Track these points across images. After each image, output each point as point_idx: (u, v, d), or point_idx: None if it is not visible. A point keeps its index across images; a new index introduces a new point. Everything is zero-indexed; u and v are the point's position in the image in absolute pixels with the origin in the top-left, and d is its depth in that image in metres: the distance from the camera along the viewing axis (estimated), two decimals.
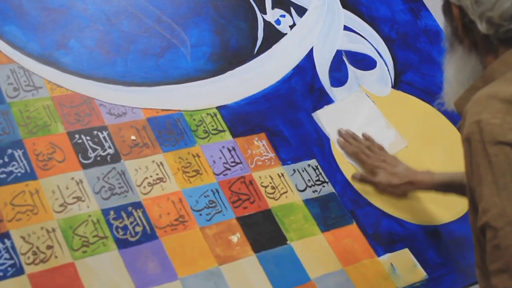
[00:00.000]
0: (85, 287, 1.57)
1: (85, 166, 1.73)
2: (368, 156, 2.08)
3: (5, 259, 1.53)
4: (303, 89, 2.16)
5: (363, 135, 2.14)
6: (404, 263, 1.92)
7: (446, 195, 2.00)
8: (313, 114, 2.13)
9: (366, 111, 2.21)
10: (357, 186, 2.05)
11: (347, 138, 2.12)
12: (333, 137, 2.11)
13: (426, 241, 2.00)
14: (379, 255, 1.91)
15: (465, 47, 1.58)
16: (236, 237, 1.79)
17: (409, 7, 2.51)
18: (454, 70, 1.60)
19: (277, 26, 2.23)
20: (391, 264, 1.90)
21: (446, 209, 2.11)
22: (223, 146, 1.94)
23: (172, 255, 1.69)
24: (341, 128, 2.14)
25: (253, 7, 2.22)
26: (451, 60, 1.62)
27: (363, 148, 2.09)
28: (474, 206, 1.46)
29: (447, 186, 1.97)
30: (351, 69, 2.28)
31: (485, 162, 1.37)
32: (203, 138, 1.92)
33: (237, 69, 2.09)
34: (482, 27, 1.49)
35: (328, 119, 2.13)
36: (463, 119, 1.46)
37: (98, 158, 1.76)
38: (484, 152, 1.37)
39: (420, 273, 1.92)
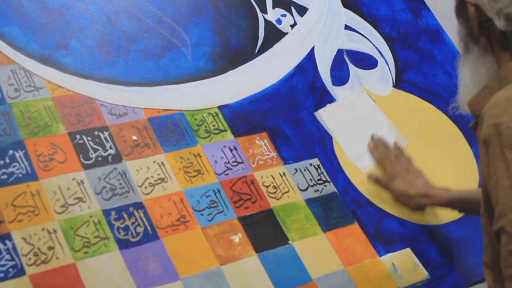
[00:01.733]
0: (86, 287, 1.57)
1: (86, 167, 1.73)
2: (393, 163, 2.05)
3: (6, 260, 1.53)
4: (305, 88, 2.16)
5: (395, 144, 2.12)
6: (406, 263, 1.92)
7: (461, 213, 2.00)
8: (316, 113, 2.12)
9: (368, 110, 2.20)
10: (359, 185, 2.05)
11: (378, 143, 2.11)
12: (336, 136, 2.11)
13: (428, 240, 2.00)
14: (380, 255, 1.91)
15: (480, 48, 1.56)
16: (238, 237, 1.79)
17: (409, 6, 2.50)
18: (470, 71, 1.58)
19: (278, 26, 2.23)
20: (393, 264, 1.90)
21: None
22: (225, 146, 1.94)
23: (173, 255, 1.69)
24: (375, 133, 2.13)
25: (253, 6, 2.22)
26: (466, 62, 1.60)
27: (390, 155, 2.07)
28: (488, 207, 1.45)
29: (463, 203, 1.95)
30: (352, 68, 2.27)
31: (503, 166, 1.36)
32: (204, 138, 1.92)
33: (238, 68, 2.09)
34: (500, 24, 1.47)
35: (330, 118, 2.13)
36: (480, 121, 1.44)
37: (99, 159, 1.76)
38: (502, 156, 1.36)
39: (422, 273, 1.92)
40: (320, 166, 2.02)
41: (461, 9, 1.59)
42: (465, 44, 1.61)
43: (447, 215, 2.08)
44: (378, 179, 2.04)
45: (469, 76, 1.58)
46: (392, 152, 2.09)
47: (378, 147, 2.10)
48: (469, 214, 1.99)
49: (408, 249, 1.95)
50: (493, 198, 1.40)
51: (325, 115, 2.13)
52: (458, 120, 2.29)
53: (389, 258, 1.91)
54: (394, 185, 2.02)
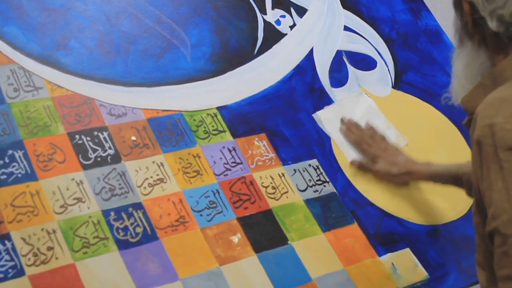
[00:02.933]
0: None
1: (85, 167, 1.73)
2: (370, 145, 2.09)
3: (6, 260, 1.53)
4: (303, 90, 2.16)
5: (366, 124, 2.14)
6: (405, 263, 1.92)
7: (445, 186, 2.02)
8: (314, 115, 2.12)
9: (366, 111, 2.20)
10: (358, 185, 2.05)
11: (350, 126, 2.13)
12: (335, 137, 2.11)
13: (427, 240, 2.00)
14: (380, 255, 1.91)
15: (474, 43, 1.56)
16: (237, 237, 1.79)
17: (409, 7, 2.50)
18: (463, 65, 1.58)
19: (277, 27, 2.23)
20: (392, 264, 1.90)
21: (448, 208, 2.10)
22: (224, 147, 1.94)
23: (172, 255, 1.69)
24: (344, 117, 2.14)
25: (253, 7, 2.22)
26: (460, 55, 1.60)
27: (365, 137, 2.10)
28: (479, 207, 1.45)
29: (444, 177, 2.00)
30: (351, 69, 2.27)
31: (496, 167, 1.36)
32: (203, 139, 1.92)
33: (237, 69, 2.09)
34: (492, 24, 1.47)
35: (328, 119, 2.13)
36: (474, 121, 1.44)
37: (99, 159, 1.76)
38: (496, 157, 1.36)
39: (421, 273, 1.92)
40: (319, 166, 2.02)
41: (458, 2, 1.59)
42: (460, 37, 1.61)
43: (447, 215, 2.09)
44: (361, 164, 2.07)
45: (462, 70, 1.59)
46: (366, 133, 2.12)
47: (351, 129, 2.12)
48: (452, 187, 2.02)
49: (408, 249, 1.95)
50: (486, 199, 1.39)
51: (323, 117, 2.13)
52: (457, 121, 2.29)
53: (388, 258, 1.91)
54: (377, 167, 2.06)
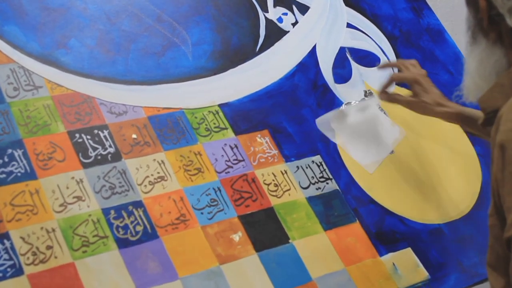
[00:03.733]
0: (85, 287, 1.56)
1: (85, 165, 1.73)
2: (410, 69, 2.09)
3: (5, 259, 1.53)
4: (307, 86, 2.15)
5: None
6: (406, 263, 1.91)
7: (467, 131, 2.05)
8: (316, 121, 2.10)
9: (371, 109, 2.19)
10: (362, 182, 2.04)
11: (407, 65, 2.12)
12: (338, 142, 2.09)
13: (429, 240, 1.99)
14: (381, 255, 1.91)
15: (489, 40, 1.52)
16: (238, 236, 1.79)
17: (411, 6, 2.49)
18: (477, 62, 1.53)
19: (279, 24, 2.22)
20: (393, 264, 1.89)
21: (450, 207, 2.10)
22: (225, 144, 1.93)
23: (172, 254, 1.69)
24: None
25: (254, 5, 2.21)
26: (473, 52, 1.55)
27: (406, 63, 2.10)
28: (498, 210, 1.42)
29: (470, 119, 1.95)
30: (354, 65, 2.27)
31: None
32: (205, 136, 1.92)
33: (239, 66, 2.08)
34: (511, 22, 1.45)
35: (330, 126, 2.11)
36: (496, 124, 1.40)
37: (99, 157, 1.76)
38: None
39: (422, 273, 1.91)
40: (323, 163, 2.02)
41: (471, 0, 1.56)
42: (473, 34, 1.57)
43: (450, 214, 2.08)
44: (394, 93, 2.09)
45: (475, 67, 1.55)
46: (410, 61, 2.11)
47: (408, 67, 2.12)
48: (470, 132, 2.02)
49: (409, 248, 1.95)
50: (506, 204, 1.35)
51: (324, 125, 2.10)
52: None
53: (389, 258, 1.91)
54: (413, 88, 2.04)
